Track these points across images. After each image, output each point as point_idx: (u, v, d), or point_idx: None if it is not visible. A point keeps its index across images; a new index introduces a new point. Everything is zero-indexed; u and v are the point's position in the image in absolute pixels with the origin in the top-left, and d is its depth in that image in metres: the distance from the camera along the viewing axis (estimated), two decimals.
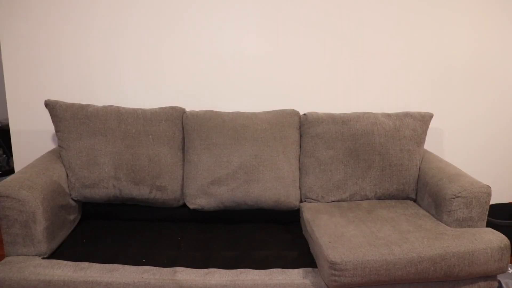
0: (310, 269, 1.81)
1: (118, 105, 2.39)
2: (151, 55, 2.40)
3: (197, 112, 2.24)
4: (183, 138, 2.23)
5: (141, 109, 2.21)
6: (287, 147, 2.23)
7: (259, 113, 2.30)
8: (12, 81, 2.37)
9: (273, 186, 2.16)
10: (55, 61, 2.36)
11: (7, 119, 3.51)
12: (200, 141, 2.18)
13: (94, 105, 2.19)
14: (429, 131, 2.64)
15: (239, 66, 2.46)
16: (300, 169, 2.28)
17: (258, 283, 1.72)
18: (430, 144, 2.66)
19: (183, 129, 2.23)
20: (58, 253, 1.85)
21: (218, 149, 2.16)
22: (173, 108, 2.24)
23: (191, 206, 2.17)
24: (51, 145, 2.45)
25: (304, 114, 2.31)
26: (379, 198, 2.29)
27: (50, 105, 2.14)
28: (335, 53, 2.48)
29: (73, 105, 2.16)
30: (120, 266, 1.76)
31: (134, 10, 2.33)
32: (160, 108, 2.24)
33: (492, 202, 2.78)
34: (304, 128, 2.29)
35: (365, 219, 2.01)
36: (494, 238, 1.84)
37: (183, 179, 2.20)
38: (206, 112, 2.24)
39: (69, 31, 2.33)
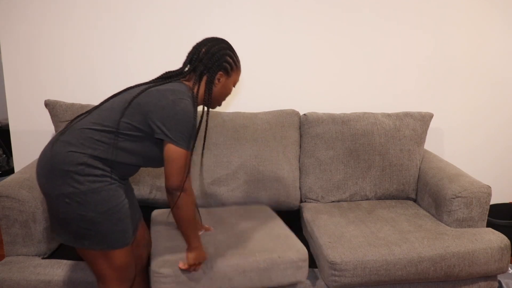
0: (310, 269, 1.81)
1: None
2: (152, 55, 2.40)
3: (197, 112, 2.24)
4: None
5: None
6: (287, 147, 2.23)
7: (259, 113, 2.30)
8: (12, 81, 2.37)
9: (273, 186, 2.16)
10: (55, 61, 2.36)
11: (7, 119, 3.51)
12: (200, 141, 2.17)
13: (94, 105, 2.19)
14: (429, 131, 2.64)
15: None
16: (300, 169, 2.28)
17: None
18: (430, 144, 2.66)
19: None
20: (58, 253, 1.85)
21: (218, 149, 2.16)
22: None
23: None
24: None
25: (304, 114, 2.31)
26: (379, 198, 2.29)
27: (50, 105, 2.13)
28: (335, 53, 2.48)
29: (73, 105, 2.16)
30: None
31: (135, 10, 2.33)
32: None
33: (492, 202, 2.78)
34: (304, 128, 2.29)
35: (365, 219, 2.01)
36: (494, 238, 1.84)
37: None
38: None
39: (69, 30, 2.33)
